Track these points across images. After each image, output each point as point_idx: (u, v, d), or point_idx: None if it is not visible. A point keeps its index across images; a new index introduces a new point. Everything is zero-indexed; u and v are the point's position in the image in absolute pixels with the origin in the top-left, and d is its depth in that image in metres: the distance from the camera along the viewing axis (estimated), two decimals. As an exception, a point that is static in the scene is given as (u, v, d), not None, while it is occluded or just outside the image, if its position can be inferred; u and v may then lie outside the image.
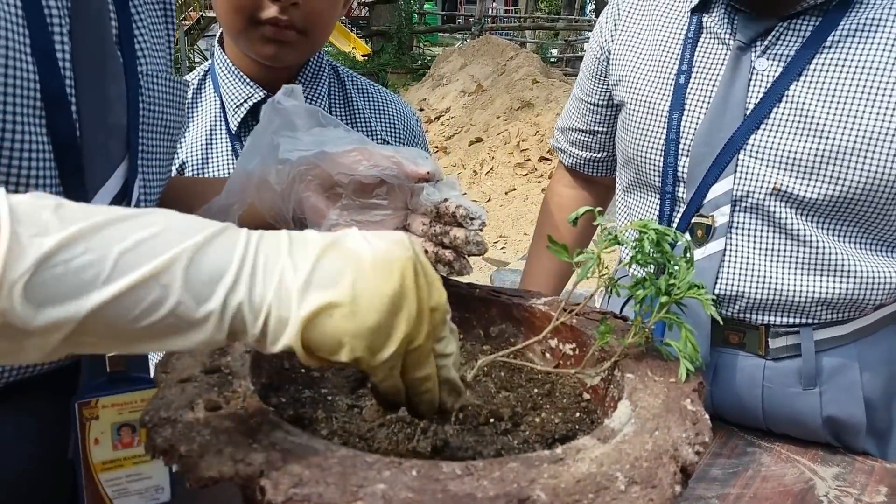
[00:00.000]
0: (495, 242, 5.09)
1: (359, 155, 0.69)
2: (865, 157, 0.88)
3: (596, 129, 1.20)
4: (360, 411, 0.62)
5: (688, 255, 0.61)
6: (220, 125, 1.10)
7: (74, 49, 0.63)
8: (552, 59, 13.26)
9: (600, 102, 1.17)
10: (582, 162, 1.26)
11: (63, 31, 0.62)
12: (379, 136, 1.17)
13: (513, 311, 0.74)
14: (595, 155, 1.24)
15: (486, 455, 0.57)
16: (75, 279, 0.38)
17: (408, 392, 0.50)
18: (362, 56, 12.09)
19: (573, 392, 0.66)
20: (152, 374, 0.74)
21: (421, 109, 8.07)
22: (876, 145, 0.88)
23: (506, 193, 5.80)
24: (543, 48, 14.07)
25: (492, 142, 6.59)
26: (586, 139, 1.23)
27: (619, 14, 1.11)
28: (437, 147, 6.91)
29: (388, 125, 1.19)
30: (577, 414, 0.63)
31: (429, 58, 12.00)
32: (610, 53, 1.11)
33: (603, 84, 1.15)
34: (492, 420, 0.62)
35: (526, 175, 5.96)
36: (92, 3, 0.65)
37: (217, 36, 1.14)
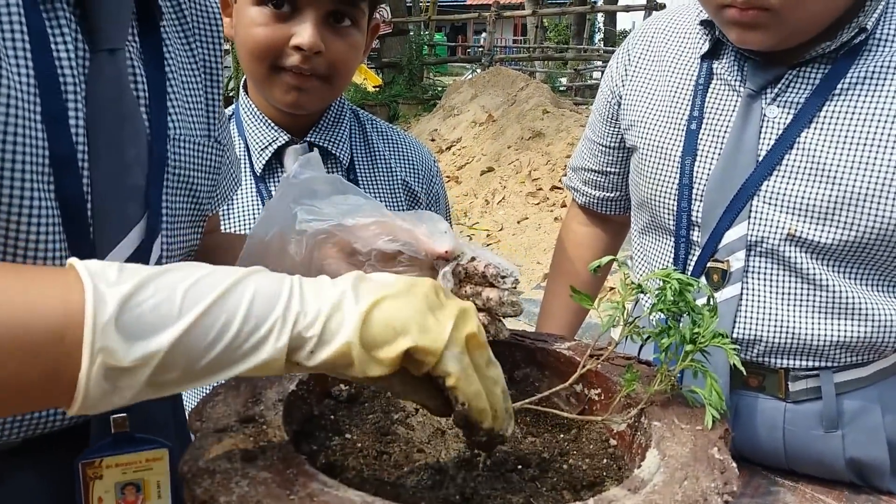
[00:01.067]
0: (508, 272, 5.08)
1: (377, 228, 0.69)
2: (878, 203, 0.89)
3: (608, 170, 1.22)
4: (388, 458, 0.63)
5: (711, 303, 0.62)
6: (245, 168, 1.12)
7: (90, 113, 0.64)
8: (561, 88, 13.35)
9: (612, 144, 1.19)
10: (595, 201, 1.27)
11: (78, 95, 0.63)
12: (399, 178, 1.19)
13: (537, 356, 0.75)
14: (608, 195, 1.25)
15: (516, 503, 0.58)
16: (153, 316, 0.44)
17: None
18: (374, 87, 12.23)
19: (599, 438, 0.66)
20: (172, 428, 0.75)
21: (432, 140, 8.13)
22: (888, 191, 0.88)
23: (518, 222, 5.81)
24: (552, 77, 14.18)
25: (503, 171, 6.63)
26: (599, 179, 1.24)
27: (629, 59, 1.13)
28: (448, 177, 6.96)
29: (407, 167, 1.21)
30: (605, 460, 0.63)
31: (439, 88, 12.12)
32: (621, 98, 1.13)
33: (614, 127, 1.17)
34: (519, 466, 0.63)
35: (538, 204, 5.98)
36: (109, 66, 0.66)
37: (242, 81, 1.17)
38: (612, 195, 1.25)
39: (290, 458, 0.51)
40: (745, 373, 0.64)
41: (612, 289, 3.87)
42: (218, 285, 0.46)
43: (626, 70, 1.12)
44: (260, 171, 1.11)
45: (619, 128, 1.15)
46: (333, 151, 1.13)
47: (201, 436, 0.54)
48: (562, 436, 0.67)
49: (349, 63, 1.05)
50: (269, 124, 1.11)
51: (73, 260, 0.45)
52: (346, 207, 0.70)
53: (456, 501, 0.58)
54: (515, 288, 0.65)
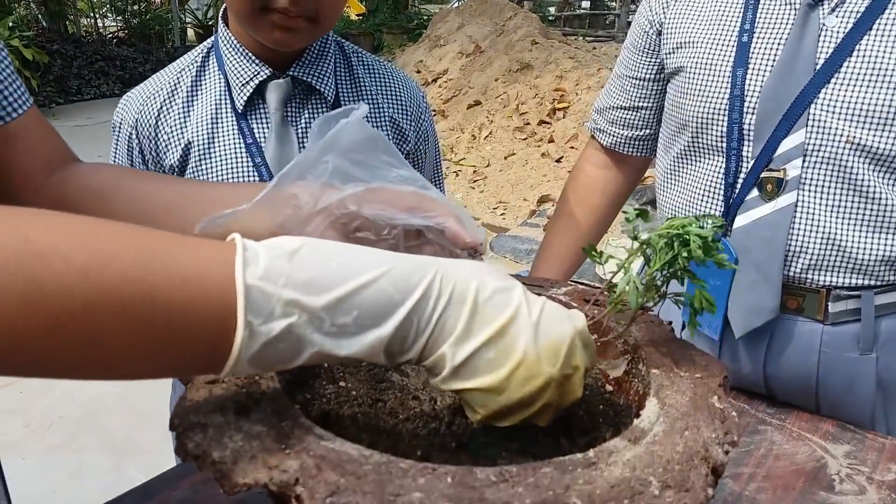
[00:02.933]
0: (494, 208, 5.08)
1: (418, 201, 0.66)
2: None
3: (641, 104, 1.22)
4: (383, 405, 0.62)
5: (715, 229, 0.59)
6: (226, 104, 1.08)
7: None
8: (550, 18, 13.05)
9: (647, 76, 1.19)
10: (623, 140, 1.27)
11: None
12: (386, 115, 1.15)
13: (533, 301, 0.73)
14: (637, 133, 1.25)
15: (511, 450, 0.58)
16: (281, 356, 0.46)
17: None
18: (357, 15, 11.88)
19: (595, 384, 0.66)
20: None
21: (418, 72, 7.96)
22: None
23: (505, 158, 5.76)
24: (541, 6, 13.83)
25: (490, 105, 6.52)
26: (629, 116, 1.24)
27: None
28: (435, 111, 6.84)
29: (394, 102, 1.17)
30: (601, 406, 0.63)
31: (425, 17, 11.80)
32: (662, 25, 1.13)
33: (651, 58, 1.17)
34: (515, 413, 0.62)
35: (525, 139, 5.91)
36: None
37: (220, 12, 1.12)
38: (642, 133, 1.25)
39: (284, 410, 0.50)
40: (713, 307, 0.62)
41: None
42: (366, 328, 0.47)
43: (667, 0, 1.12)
44: (241, 107, 1.07)
45: (659, 57, 1.16)
46: (318, 87, 1.09)
47: (191, 387, 0.53)
48: (557, 382, 0.67)
49: (337, 4, 1.01)
50: (250, 58, 1.06)
51: (237, 267, 0.44)
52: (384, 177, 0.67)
53: (451, 449, 0.58)
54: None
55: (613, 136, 1.28)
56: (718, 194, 1.05)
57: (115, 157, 1.14)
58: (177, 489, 0.81)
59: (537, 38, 7.22)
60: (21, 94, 0.76)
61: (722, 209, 1.04)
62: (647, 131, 1.24)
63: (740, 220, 1.02)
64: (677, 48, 1.09)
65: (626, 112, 1.24)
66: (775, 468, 0.89)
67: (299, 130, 1.08)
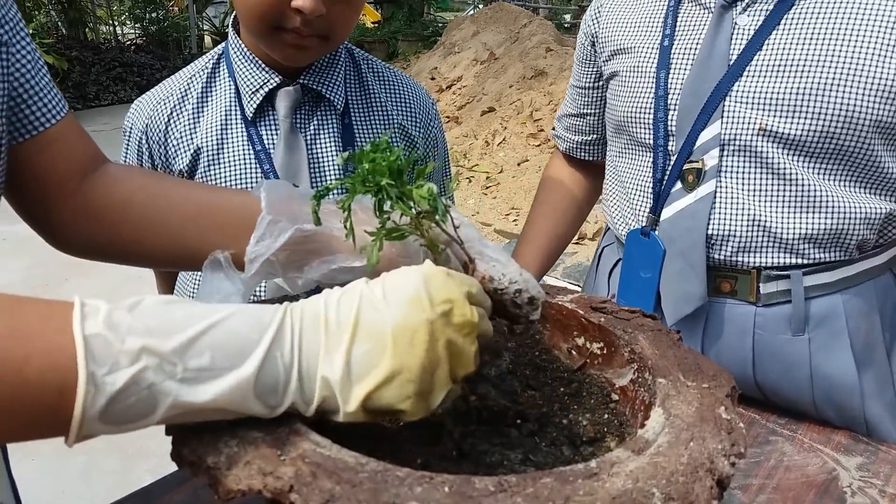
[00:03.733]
0: (507, 215, 5.06)
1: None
2: (844, 91, 0.93)
3: (585, 111, 1.31)
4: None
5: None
6: (236, 111, 1.08)
7: None
8: (566, 25, 13.04)
9: (588, 85, 1.27)
10: (575, 146, 1.36)
11: None
12: (395, 120, 1.15)
13: (538, 307, 0.72)
14: (586, 138, 1.34)
15: (514, 459, 0.57)
16: (136, 411, 0.43)
17: None
18: (372, 23, 11.93)
19: (601, 392, 0.65)
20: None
21: (432, 79, 7.97)
22: (852, 81, 0.92)
23: (518, 164, 5.75)
24: (557, 14, 13.82)
25: (504, 111, 6.51)
26: (578, 123, 1.33)
27: (601, 4, 1.21)
28: (448, 117, 6.84)
29: (404, 108, 1.17)
30: (606, 416, 0.62)
31: (440, 24, 11.82)
32: (595, 37, 1.21)
33: (589, 67, 1.25)
34: (518, 421, 0.61)
35: (539, 146, 5.90)
36: None
37: (231, 20, 1.12)
38: (590, 138, 1.33)
39: (281, 415, 0.49)
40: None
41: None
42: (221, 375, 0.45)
43: (598, 12, 1.21)
44: (251, 114, 1.07)
45: (595, 66, 1.23)
46: (327, 95, 1.08)
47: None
48: (562, 389, 0.66)
49: (349, 22, 1.02)
50: (260, 65, 1.06)
51: (75, 322, 0.43)
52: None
53: (453, 457, 0.57)
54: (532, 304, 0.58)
55: (568, 141, 1.36)
56: (648, 189, 1.10)
57: (125, 161, 1.15)
58: (177, 493, 0.80)
59: (552, 45, 7.21)
60: (58, 102, 0.76)
61: (651, 203, 1.09)
62: (594, 136, 1.32)
63: (666, 213, 1.06)
64: (612, 56, 1.16)
65: (575, 119, 1.33)
66: (786, 480, 0.87)
67: (308, 138, 1.08)
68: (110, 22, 12.41)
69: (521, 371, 0.68)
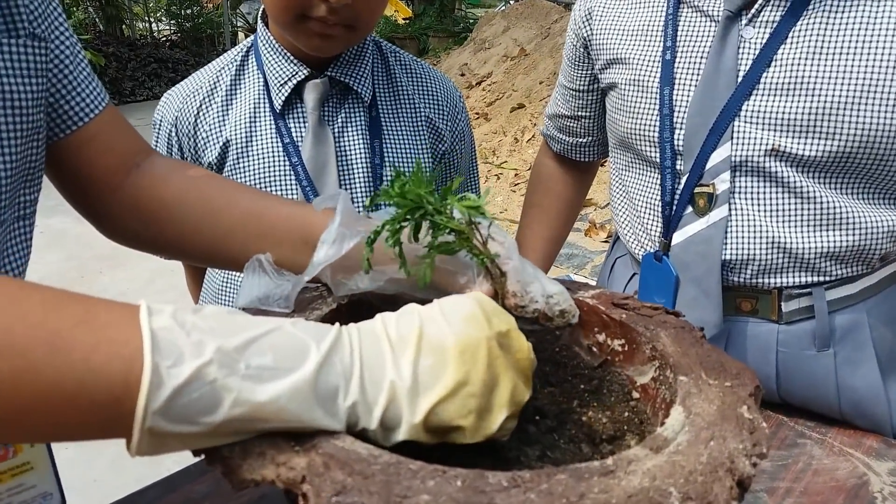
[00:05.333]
0: (536, 211, 5.02)
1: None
2: (858, 110, 0.88)
3: (580, 114, 1.25)
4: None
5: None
6: (264, 103, 1.09)
7: None
8: (597, 22, 12.91)
9: (582, 88, 1.22)
10: (569, 147, 1.31)
11: None
12: (423, 115, 1.15)
13: (559, 303, 0.71)
14: (580, 140, 1.28)
15: (531, 455, 0.56)
16: (198, 407, 0.42)
17: None
18: (404, 19, 11.94)
19: (621, 390, 0.64)
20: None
21: (462, 75, 7.96)
22: (867, 98, 0.88)
23: (548, 161, 5.70)
24: (588, 10, 13.70)
25: (534, 108, 6.47)
26: (572, 125, 1.27)
27: (592, 6, 1.13)
28: (478, 114, 6.83)
29: (431, 101, 1.17)
30: (626, 413, 0.61)
31: (471, 20, 11.78)
32: (588, 40, 1.15)
33: (582, 70, 1.19)
34: (537, 417, 0.61)
35: (568, 142, 5.85)
36: None
37: (260, 12, 1.12)
38: (585, 140, 1.28)
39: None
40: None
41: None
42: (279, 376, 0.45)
43: (589, 12, 1.13)
44: (279, 107, 1.07)
45: (590, 70, 1.16)
46: (355, 87, 1.09)
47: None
48: (582, 386, 0.65)
49: (375, 11, 1.02)
50: (289, 58, 1.07)
51: (142, 316, 0.43)
52: None
53: (472, 450, 0.56)
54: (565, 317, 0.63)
55: (561, 142, 1.32)
56: (658, 209, 1.06)
57: None
58: (199, 483, 0.81)
59: (583, 42, 7.14)
60: (99, 94, 0.77)
61: (662, 228, 1.05)
62: (590, 139, 1.28)
63: (677, 238, 1.02)
64: (609, 65, 1.10)
65: (569, 121, 1.28)
66: (814, 483, 0.85)
67: (335, 130, 1.08)
68: (146, 18, 12.60)
69: (541, 367, 0.67)
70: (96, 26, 11.10)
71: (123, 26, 11.55)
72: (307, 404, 0.45)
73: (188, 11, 12.39)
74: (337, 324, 0.50)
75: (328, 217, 0.66)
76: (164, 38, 12.30)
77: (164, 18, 13.06)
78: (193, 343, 0.43)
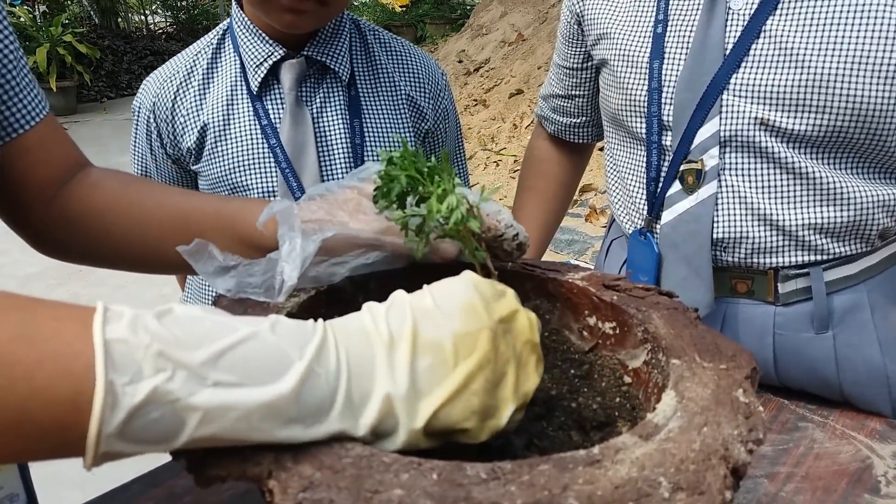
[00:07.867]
0: (535, 197, 4.99)
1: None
2: (849, 83, 0.85)
3: (574, 93, 1.23)
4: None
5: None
6: (241, 85, 1.06)
7: None
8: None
9: (575, 66, 1.20)
10: (563, 128, 1.28)
11: None
12: (403, 92, 1.12)
13: (548, 287, 0.69)
14: (574, 120, 1.26)
15: (518, 444, 0.54)
16: (158, 430, 0.39)
17: None
18: (401, 7, 11.86)
19: (613, 374, 0.61)
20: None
21: (460, 61, 7.90)
22: (859, 70, 0.85)
23: (546, 147, 5.66)
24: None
25: (532, 93, 6.42)
26: (566, 104, 1.25)
27: None
28: (476, 100, 6.78)
29: (412, 80, 1.14)
30: (617, 399, 0.58)
31: (468, 6, 11.70)
32: (581, 16, 1.12)
33: (576, 47, 1.17)
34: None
35: (567, 128, 5.81)
36: None
37: (236, -7, 1.09)
38: (579, 120, 1.25)
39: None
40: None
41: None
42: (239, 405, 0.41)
43: None
44: (256, 88, 1.04)
45: (584, 46, 1.13)
46: (332, 66, 1.06)
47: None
48: (572, 371, 0.62)
49: None
50: (264, 38, 1.04)
51: (95, 324, 0.38)
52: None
53: (456, 442, 0.54)
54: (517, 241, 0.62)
55: (555, 123, 1.30)
56: (645, 187, 1.04)
57: (135, 139, 1.13)
58: (182, 477, 0.79)
59: (581, 26, 7.08)
60: (40, 101, 0.73)
61: (648, 203, 1.03)
62: (584, 118, 1.25)
63: (666, 216, 0.99)
64: (599, 40, 1.08)
65: (563, 100, 1.26)
66: (816, 468, 0.83)
67: (314, 110, 1.05)
68: (141, 10, 12.53)
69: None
70: (91, 19, 11.03)
71: (119, 19, 11.48)
72: (283, 421, 0.40)
73: (183, 2, 12.31)
74: (321, 322, 0.45)
75: (259, 208, 0.63)
76: (160, 31, 12.23)
77: (159, 10, 12.98)
78: (153, 355, 0.38)
